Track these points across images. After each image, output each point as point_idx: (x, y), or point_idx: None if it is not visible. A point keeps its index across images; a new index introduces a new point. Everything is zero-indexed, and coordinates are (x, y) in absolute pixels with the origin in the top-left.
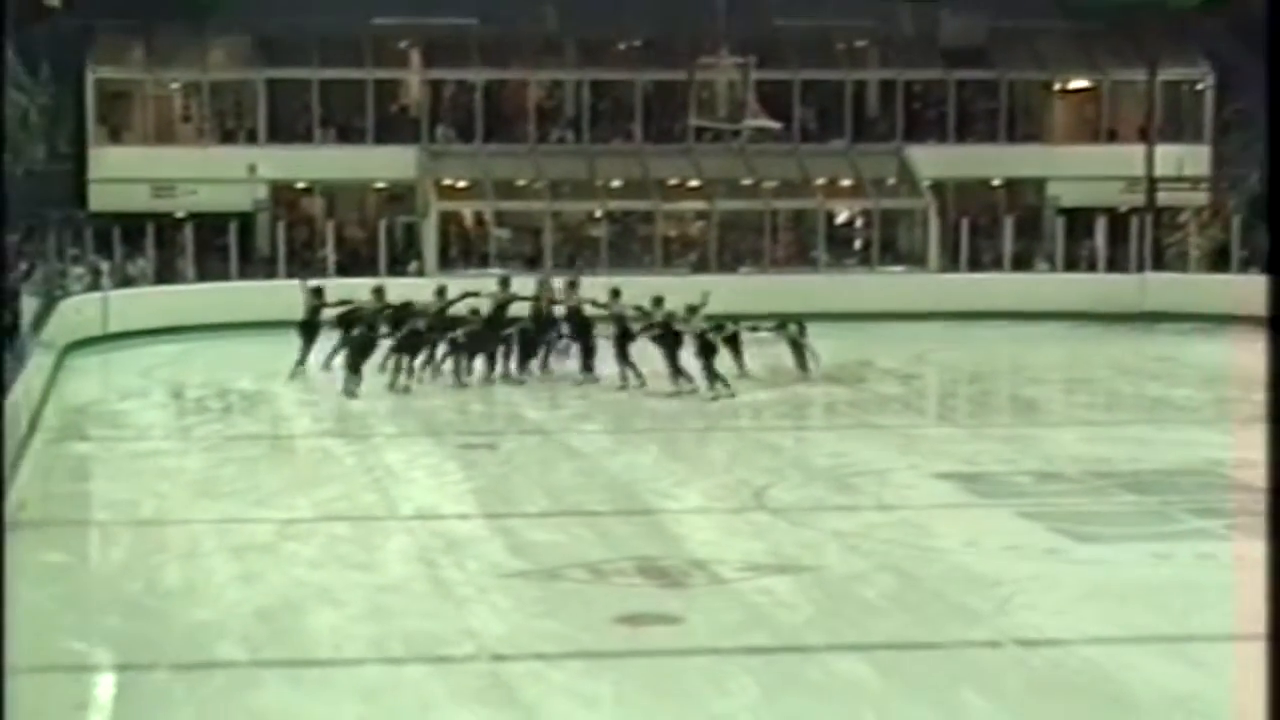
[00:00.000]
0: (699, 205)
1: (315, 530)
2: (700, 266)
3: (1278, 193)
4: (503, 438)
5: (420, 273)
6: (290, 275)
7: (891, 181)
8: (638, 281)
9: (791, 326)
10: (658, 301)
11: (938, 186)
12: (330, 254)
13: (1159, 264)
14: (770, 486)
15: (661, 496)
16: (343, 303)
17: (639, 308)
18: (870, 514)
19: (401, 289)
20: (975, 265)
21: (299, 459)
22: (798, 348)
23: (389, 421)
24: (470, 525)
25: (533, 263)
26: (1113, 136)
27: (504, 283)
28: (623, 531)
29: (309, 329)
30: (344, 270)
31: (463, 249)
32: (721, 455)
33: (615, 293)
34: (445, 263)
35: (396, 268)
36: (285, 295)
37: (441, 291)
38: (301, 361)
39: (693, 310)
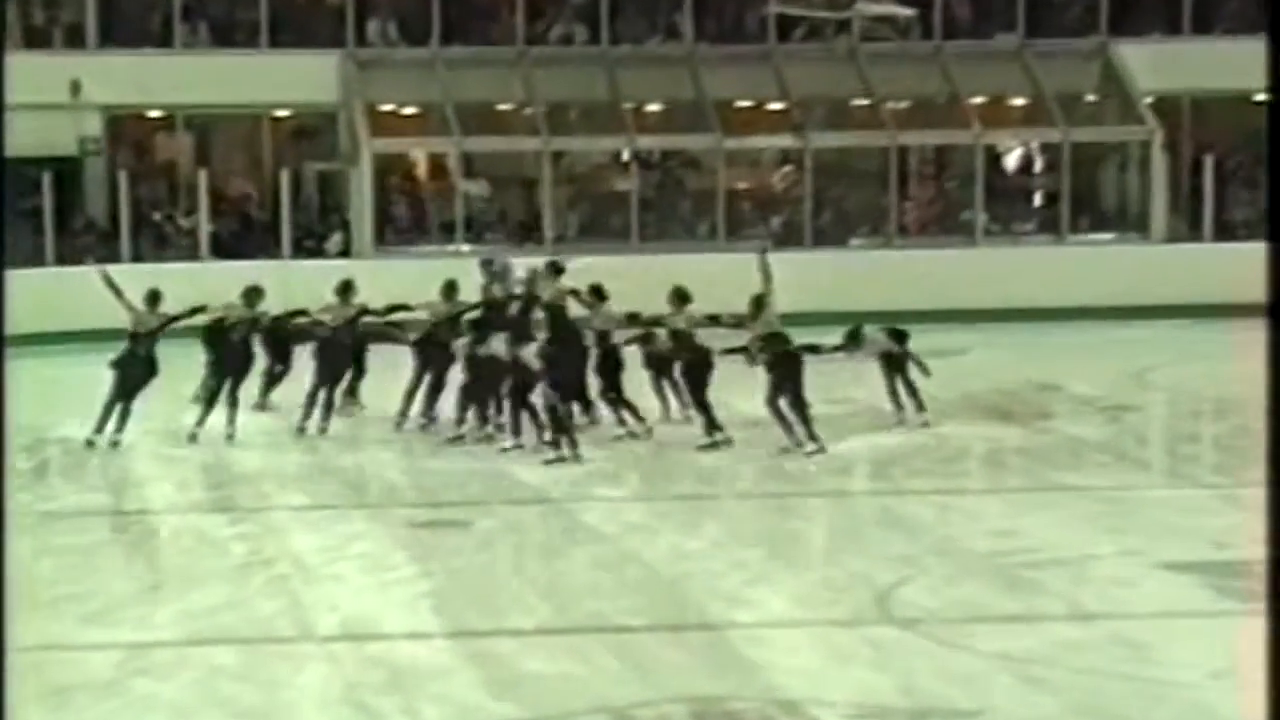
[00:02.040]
0: (784, 142)
1: (185, 659)
2: (787, 238)
3: (1277, 190)
4: (480, 510)
5: (345, 251)
6: (136, 256)
7: (1091, 99)
8: (687, 263)
9: (873, 333)
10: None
11: (1165, 105)
12: (202, 223)
13: None
14: (900, 584)
15: (728, 601)
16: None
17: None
18: (1061, 627)
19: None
20: (1225, 231)
21: (158, 547)
22: (898, 368)
23: (300, 486)
24: (428, 648)
25: (525, 233)
26: None
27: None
28: (668, 657)
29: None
30: (223, 248)
31: (413, 214)
32: (821, 535)
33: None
34: (385, 235)
35: (308, 244)
36: (136, 287)
37: (451, 289)
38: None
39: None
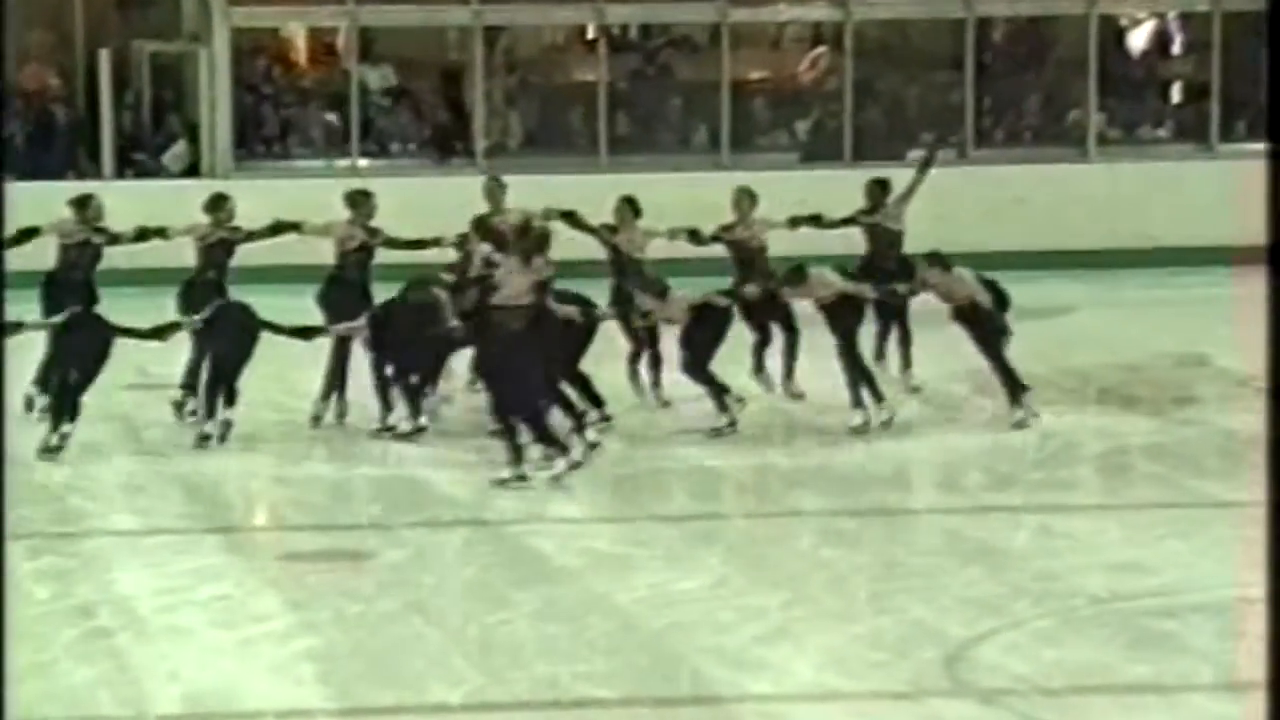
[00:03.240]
0: (815, 13)
1: None
2: (816, 149)
3: (1276, 183)
4: (386, 537)
5: (193, 167)
6: None
7: None
8: (676, 184)
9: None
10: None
11: None
12: None
13: None
14: (980, 640)
15: (735, 664)
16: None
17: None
18: (1205, 700)
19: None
20: None
21: None
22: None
23: (128, 502)
24: None
25: (448, 143)
26: None
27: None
28: None
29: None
30: (16, 162)
31: (288, 115)
32: (865, 569)
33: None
34: (249, 144)
35: (139, 158)
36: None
37: (358, 200)
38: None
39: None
